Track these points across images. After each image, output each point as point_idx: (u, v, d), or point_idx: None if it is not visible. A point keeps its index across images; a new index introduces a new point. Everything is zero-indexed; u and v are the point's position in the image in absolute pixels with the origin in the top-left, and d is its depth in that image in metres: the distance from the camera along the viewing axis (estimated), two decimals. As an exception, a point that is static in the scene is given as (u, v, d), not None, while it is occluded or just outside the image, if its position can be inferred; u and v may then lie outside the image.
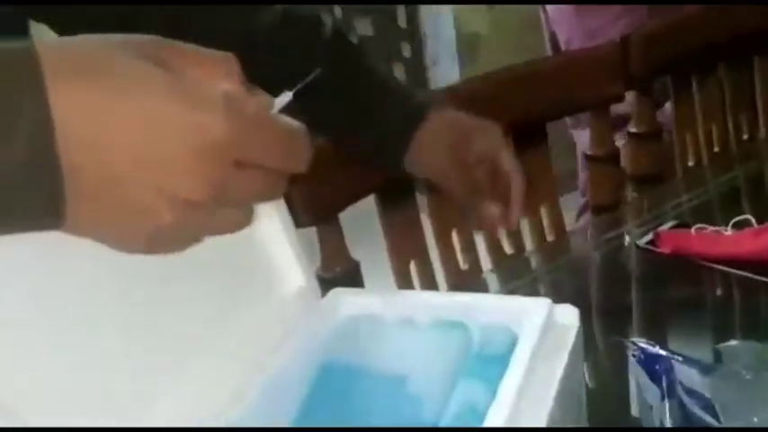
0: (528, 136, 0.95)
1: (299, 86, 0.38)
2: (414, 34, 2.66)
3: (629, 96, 1.08)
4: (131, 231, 0.34)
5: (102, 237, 0.35)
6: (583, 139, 1.38)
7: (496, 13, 2.54)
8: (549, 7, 1.44)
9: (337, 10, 3.08)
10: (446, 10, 2.50)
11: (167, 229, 0.34)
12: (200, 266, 0.48)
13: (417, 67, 2.72)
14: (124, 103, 0.31)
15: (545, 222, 1.01)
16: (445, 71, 2.62)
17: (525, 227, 1.01)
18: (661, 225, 0.91)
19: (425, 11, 2.60)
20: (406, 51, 2.75)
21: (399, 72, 2.85)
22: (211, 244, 0.49)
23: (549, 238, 1.02)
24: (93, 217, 0.33)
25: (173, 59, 0.34)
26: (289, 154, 0.36)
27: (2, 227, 0.33)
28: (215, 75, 0.34)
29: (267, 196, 0.37)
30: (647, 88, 1.05)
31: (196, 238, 0.37)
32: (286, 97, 0.38)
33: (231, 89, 0.34)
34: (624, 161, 1.06)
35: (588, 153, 1.03)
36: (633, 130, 1.06)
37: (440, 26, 2.57)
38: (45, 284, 0.41)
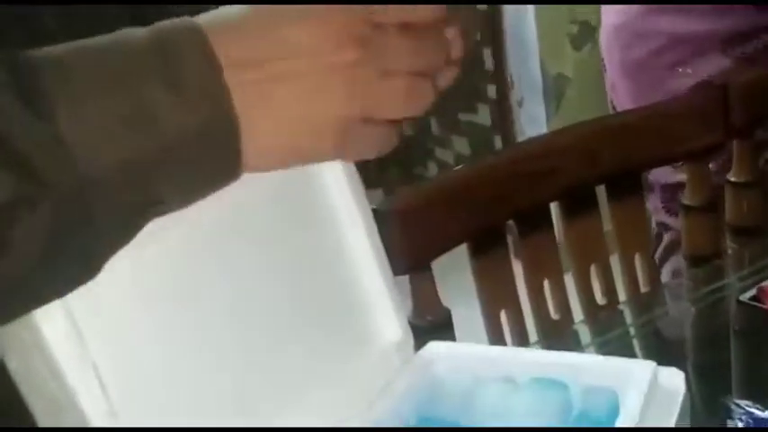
0: (622, 186, 0.94)
1: None
2: (500, 76, 2.67)
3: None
4: (315, 125, 0.36)
5: (288, 148, 0.37)
6: (652, 204, 1.33)
7: (582, 56, 2.52)
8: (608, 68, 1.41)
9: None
10: (532, 52, 2.50)
11: (344, 104, 0.36)
12: (299, 314, 0.49)
13: (503, 108, 2.71)
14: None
15: (639, 273, 0.99)
16: (531, 112, 2.60)
17: (619, 277, 0.98)
18: (765, 279, 0.87)
19: (512, 52, 2.60)
20: (492, 93, 2.76)
21: (485, 114, 2.86)
22: (313, 291, 0.50)
23: (644, 289, 0.99)
24: (272, 127, 0.36)
25: None
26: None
27: (189, 184, 0.35)
28: None
29: (421, 67, 0.38)
30: (747, 135, 1.02)
31: (377, 120, 0.38)
32: None
33: None
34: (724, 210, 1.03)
35: (684, 203, 1.01)
36: (733, 179, 1.03)
37: (526, 68, 2.56)
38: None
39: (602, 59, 1.41)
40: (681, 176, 1.26)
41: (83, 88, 0.32)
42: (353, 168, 0.50)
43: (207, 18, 0.35)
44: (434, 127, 3.21)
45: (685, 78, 1.19)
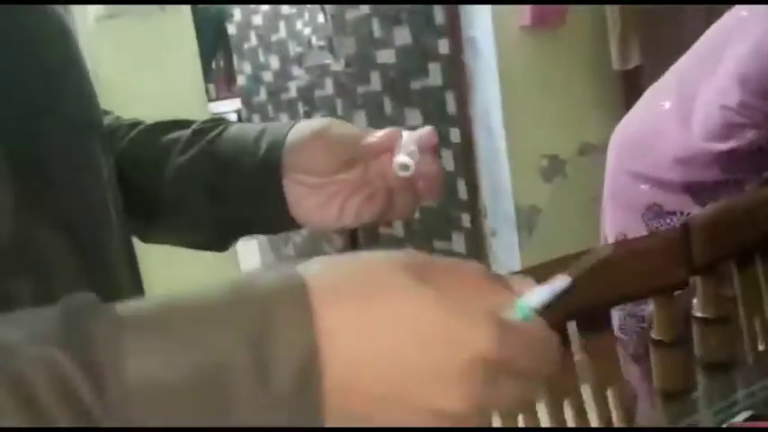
0: (592, 322, 0.96)
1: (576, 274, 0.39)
2: (473, 206, 2.74)
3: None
4: None
5: None
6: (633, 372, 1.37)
7: (555, 188, 2.61)
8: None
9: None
10: (505, 184, 2.58)
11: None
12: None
13: (477, 237, 2.77)
14: (392, 320, 0.33)
15: (612, 408, 1.00)
16: (505, 242, 2.66)
17: (593, 411, 0.99)
18: (734, 415, 0.88)
19: (484, 184, 2.68)
20: (466, 222, 2.82)
21: (459, 242, 2.91)
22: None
23: (618, 423, 1.00)
24: None
25: (430, 273, 0.34)
26: (544, 358, 0.36)
27: None
28: (469, 286, 0.35)
29: (524, 401, 0.37)
30: (711, 272, 1.05)
31: None
32: (562, 282, 0.37)
33: (490, 299, 0.35)
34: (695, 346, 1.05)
35: (654, 338, 1.03)
36: (699, 314, 1.06)
37: (499, 198, 2.64)
38: None
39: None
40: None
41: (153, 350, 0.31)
42: None
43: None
44: (410, 254, 3.26)
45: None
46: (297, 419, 0.32)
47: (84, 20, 1.95)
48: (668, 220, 1.31)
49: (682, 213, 1.29)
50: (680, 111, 1.33)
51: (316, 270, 0.34)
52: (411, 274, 0.34)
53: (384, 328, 0.33)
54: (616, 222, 1.42)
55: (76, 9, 1.95)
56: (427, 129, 0.58)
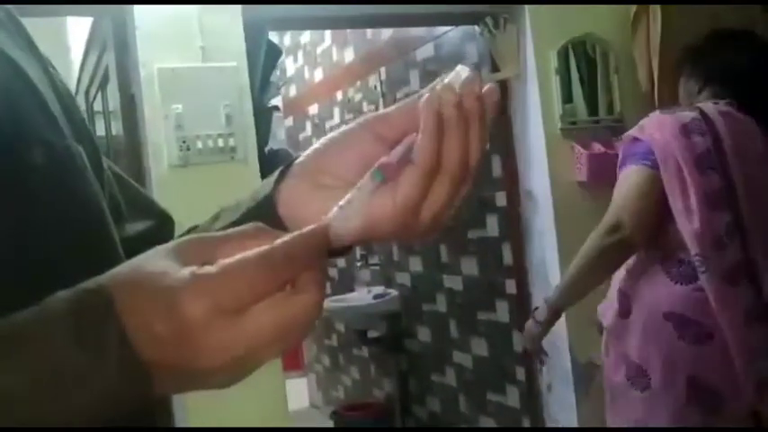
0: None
1: None
2: (529, 359, 2.69)
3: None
4: (203, 361, 0.39)
5: (189, 380, 0.41)
6: None
7: (612, 343, 2.55)
8: None
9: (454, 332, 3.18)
10: (562, 336, 2.54)
11: (216, 339, 0.39)
12: None
13: (532, 390, 2.70)
14: (154, 295, 0.39)
15: None
16: (560, 397, 2.59)
17: None
18: None
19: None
20: (521, 374, 2.76)
21: (513, 395, 2.84)
22: None
23: None
24: (171, 371, 0.40)
25: (202, 251, 0.41)
26: (252, 281, 0.39)
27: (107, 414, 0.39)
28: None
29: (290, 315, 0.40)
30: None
31: (246, 349, 0.40)
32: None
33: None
34: None
35: None
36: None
37: (555, 352, 2.59)
38: None
39: None
40: None
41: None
42: None
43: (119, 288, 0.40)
44: (462, 406, 3.18)
45: None
46: (131, 377, 0.39)
47: (159, 167, 2.07)
48: None
49: None
50: None
51: (120, 276, 0.41)
52: (178, 256, 0.41)
53: (154, 306, 0.39)
54: None
55: (153, 158, 2.07)
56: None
